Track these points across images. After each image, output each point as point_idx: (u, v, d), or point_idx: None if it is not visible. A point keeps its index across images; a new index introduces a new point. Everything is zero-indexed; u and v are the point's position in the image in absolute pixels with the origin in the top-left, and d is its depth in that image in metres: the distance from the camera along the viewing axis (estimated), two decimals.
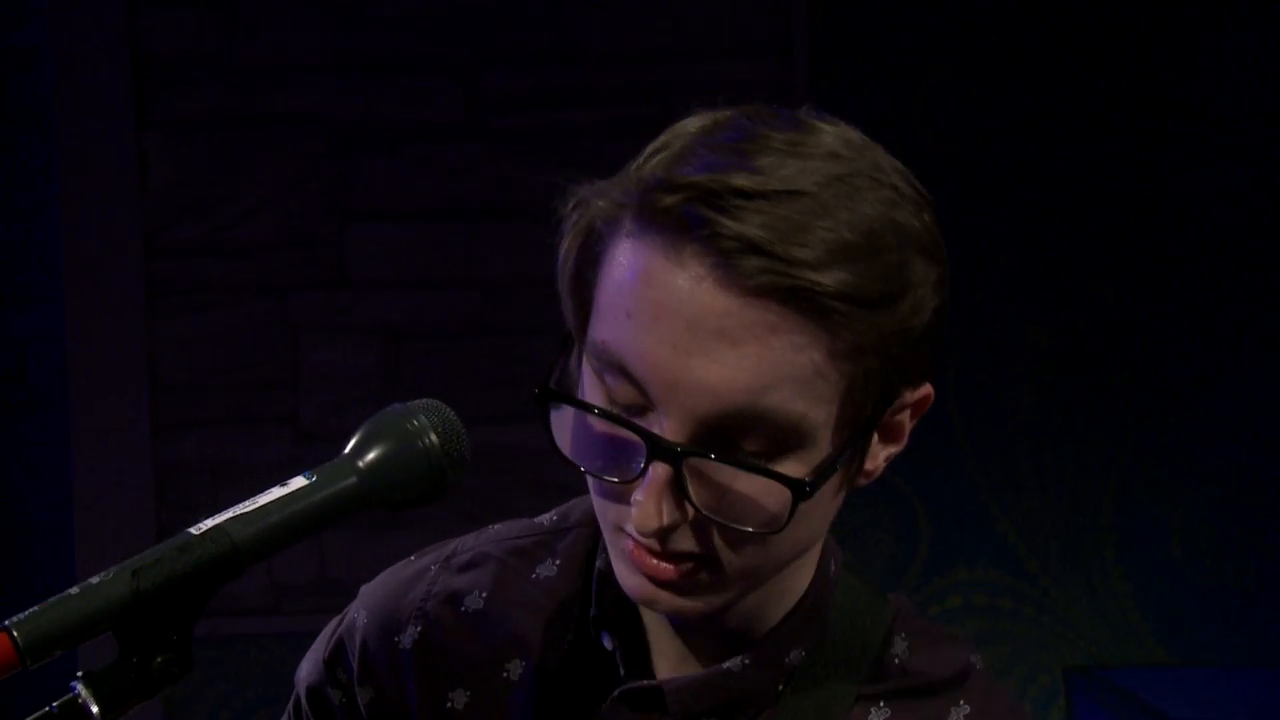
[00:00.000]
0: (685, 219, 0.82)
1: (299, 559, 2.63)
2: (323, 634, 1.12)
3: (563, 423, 0.89)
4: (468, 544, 1.09)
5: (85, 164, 2.62)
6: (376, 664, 1.07)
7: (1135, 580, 2.64)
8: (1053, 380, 2.65)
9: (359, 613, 1.09)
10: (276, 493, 0.80)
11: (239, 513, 0.78)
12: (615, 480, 0.87)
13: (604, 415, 0.86)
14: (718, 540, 0.87)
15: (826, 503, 0.89)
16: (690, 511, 0.85)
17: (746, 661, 0.94)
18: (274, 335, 2.65)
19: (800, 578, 0.96)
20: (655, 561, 0.88)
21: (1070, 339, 2.65)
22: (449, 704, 1.03)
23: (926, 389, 0.91)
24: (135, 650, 0.74)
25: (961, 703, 0.95)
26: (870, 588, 1.01)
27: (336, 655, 1.10)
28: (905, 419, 0.92)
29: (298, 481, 0.81)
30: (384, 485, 0.82)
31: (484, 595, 1.05)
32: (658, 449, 0.84)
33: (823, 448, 0.85)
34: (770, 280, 0.80)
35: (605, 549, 0.96)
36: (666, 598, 0.89)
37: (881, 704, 0.96)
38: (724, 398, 0.82)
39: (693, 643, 0.97)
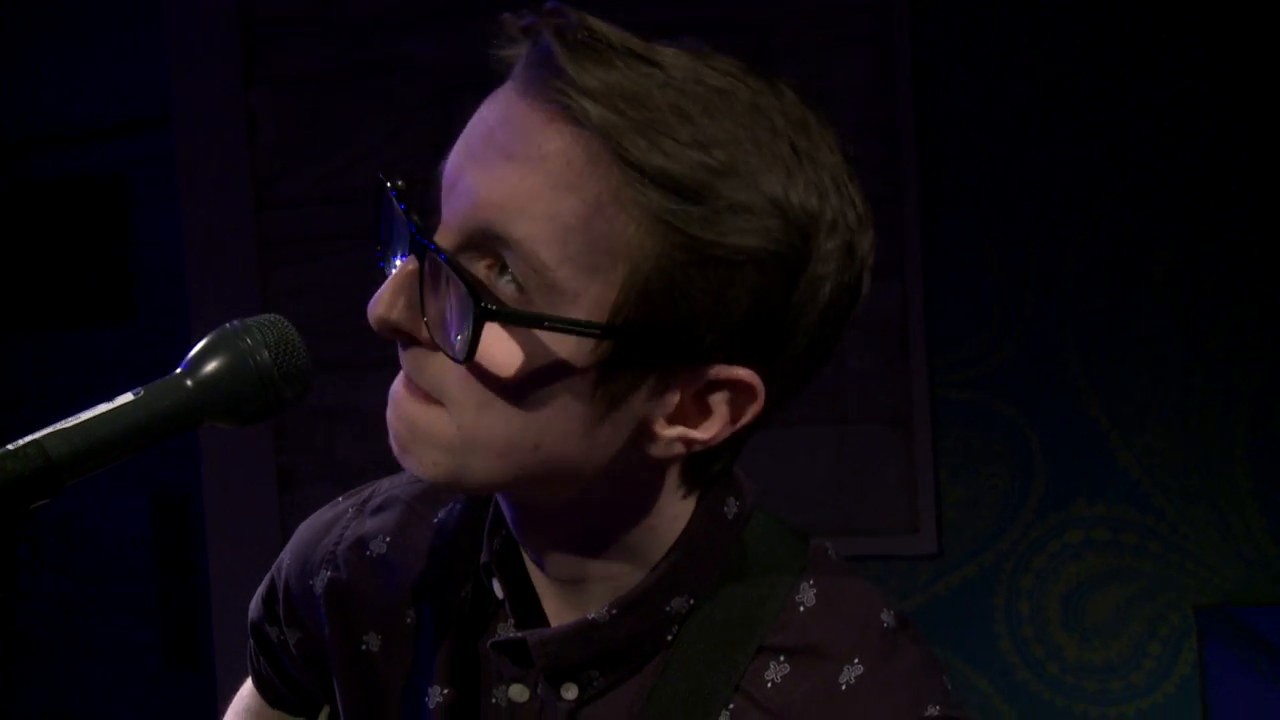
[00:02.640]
0: (539, 44, 0.78)
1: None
2: (270, 571, 1.14)
3: (387, 215, 0.86)
4: (383, 486, 1.09)
5: (198, 122, 2.71)
6: (298, 606, 1.08)
7: (1273, 515, 2.47)
8: (1179, 300, 2.49)
9: (286, 554, 1.11)
10: (102, 408, 0.80)
11: (59, 429, 0.78)
12: (386, 272, 0.85)
13: (400, 204, 0.83)
14: (438, 376, 0.82)
15: (571, 413, 0.81)
16: (421, 327, 0.81)
17: (614, 611, 0.90)
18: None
19: (654, 538, 0.90)
20: (400, 386, 0.85)
21: (1199, 254, 2.48)
22: (364, 646, 1.03)
23: (746, 373, 0.81)
24: None
25: (856, 661, 0.89)
26: (788, 530, 0.96)
27: (271, 594, 1.12)
28: (717, 403, 0.83)
29: (125, 398, 0.81)
30: (213, 401, 0.82)
31: (387, 540, 1.04)
32: (412, 242, 0.81)
33: (561, 313, 0.78)
34: (568, 101, 0.76)
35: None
36: (395, 433, 0.86)
37: (782, 658, 0.90)
38: (479, 208, 0.78)
39: (570, 594, 0.93)
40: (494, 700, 0.97)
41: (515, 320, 0.78)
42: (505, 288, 0.79)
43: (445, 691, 0.99)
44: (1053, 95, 2.50)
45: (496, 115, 0.79)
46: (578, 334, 0.79)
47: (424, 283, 0.80)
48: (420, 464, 0.85)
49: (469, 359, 0.78)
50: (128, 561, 4.38)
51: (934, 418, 2.51)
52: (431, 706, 0.99)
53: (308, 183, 2.70)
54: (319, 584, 1.06)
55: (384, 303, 0.82)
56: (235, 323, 0.84)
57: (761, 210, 0.78)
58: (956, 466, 2.53)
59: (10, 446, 0.77)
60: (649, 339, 0.79)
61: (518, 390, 0.80)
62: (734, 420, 0.83)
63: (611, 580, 0.91)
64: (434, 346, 0.82)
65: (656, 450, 0.84)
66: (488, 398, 0.81)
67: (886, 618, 0.92)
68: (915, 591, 2.55)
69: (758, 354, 0.81)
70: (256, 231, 2.68)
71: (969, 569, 2.55)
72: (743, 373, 0.81)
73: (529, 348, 0.79)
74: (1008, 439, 2.53)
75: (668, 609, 0.90)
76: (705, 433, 0.83)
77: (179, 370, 0.83)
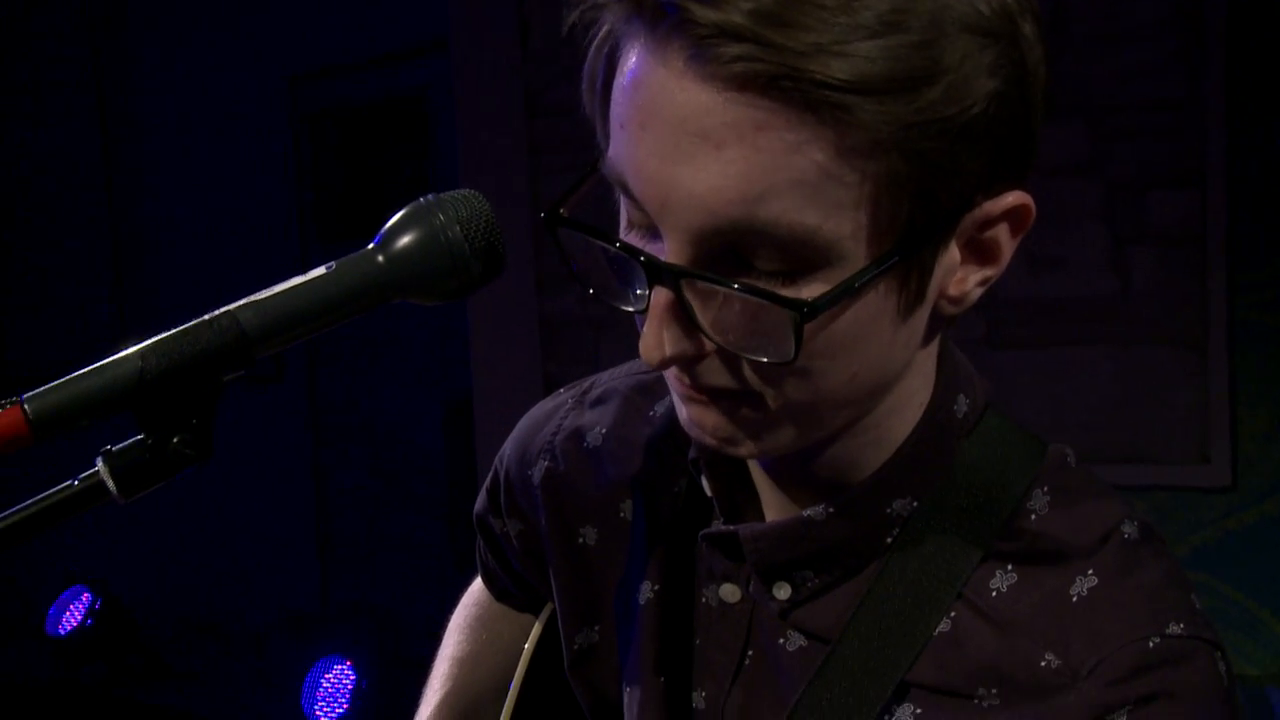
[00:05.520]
0: (661, 7, 0.71)
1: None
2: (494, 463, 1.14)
3: (577, 247, 0.82)
4: (603, 378, 1.08)
5: (474, 33, 2.74)
6: (517, 496, 1.09)
7: None
8: None
9: (508, 444, 1.11)
10: (294, 281, 0.79)
11: (252, 300, 0.78)
12: (629, 309, 0.80)
13: (603, 240, 0.78)
14: (748, 373, 0.78)
15: (884, 329, 0.77)
16: (705, 342, 0.77)
17: (831, 510, 0.86)
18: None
19: (898, 420, 0.85)
20: (693, 391, 0.81)
21: None
22: (580, 539, 1.03)
23: (1016, 197, 0.77)
24: (153, 430, 0.75)
25: (1090, 573, 0.83)
26: (1023, 434, 0.90)
27: (494, 484, 1.13)
28: (999, 235, 0.78)
29: (317, 272, 0.80)
30: (405, 277, 0.80)
31: (603, 432, 1.03)
32: (655, 272, 0.75)
33: (855, 264, 0.73)
34: (748, 68, 0.69)
35: None
36: (713, 434, 0.82)
37: (1009, 567, 0.85)
38: (716, 210, 0.72)
39: (790, 490, 0.90)
40: (704, 600, 0.94)
41: (830, 305, 0.73)
42: (769, 264, 0.73)
43: (656, 588, 0.97)
44: None
45: (672, 104, 0.72)
46: (879, 273, 0.74)
47: (686, 304, 0.75)
48: (751, 450, 0.82)
49: (796, 358, 0.74)
50: (423, 464, 4.57)
51: (1231, 340, 2.32)
52: (642, 603, 0.97)
53: (579, 91, 2.69)
54: (536, 474, 1.05)
55: (659, 347, 0.76)
56: (429, 197, 0.82)
57: (975, 47, 0.71)
58: (1256, 394, 2.33)
59: (206, 317, 0.77)
60: (934, 226, 0.74)
61: (839, 348, 0.76)
62: (1014, 237, 0.79)
63: (835, 482, 0.87)
64: (726, 353, 0.78)
65: (955, 309, 0.80)
66: (808, 369, 0.77)
67: (1129, 529, 0.85)
68: (1204, 525, 2.38)
69: (1018, 173, 0.77)
70: (529, 139, 2.70)
71: (1267, 505, 2.35)
72: (1011, 198, 0.77)
73: (840, 311, 0.75)
74: None
75: (889, 510, 0.86)
76: (997, 267, 0.79)
77: (371, 245, 0.81)
